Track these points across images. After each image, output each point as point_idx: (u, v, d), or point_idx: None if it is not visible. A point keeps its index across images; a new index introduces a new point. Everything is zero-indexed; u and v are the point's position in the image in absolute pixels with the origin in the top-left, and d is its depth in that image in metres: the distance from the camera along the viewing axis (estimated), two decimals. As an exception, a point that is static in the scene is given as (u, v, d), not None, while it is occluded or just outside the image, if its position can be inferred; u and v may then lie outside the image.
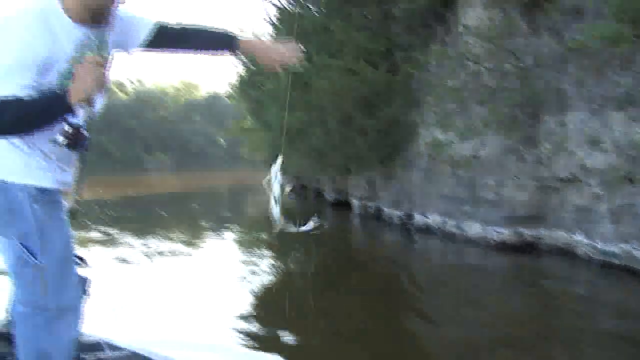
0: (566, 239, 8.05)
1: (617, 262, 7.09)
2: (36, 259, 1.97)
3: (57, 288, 2.02)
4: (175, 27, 2.25)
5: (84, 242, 9.03)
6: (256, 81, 16.20)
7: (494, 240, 8.83)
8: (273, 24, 14.67)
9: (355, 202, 14.16)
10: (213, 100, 63.16)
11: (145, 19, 2.21)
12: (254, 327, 5.11)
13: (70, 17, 1.89)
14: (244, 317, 5.31)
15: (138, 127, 56.09)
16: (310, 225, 2.21)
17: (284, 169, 2.14)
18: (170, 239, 10.94)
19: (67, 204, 2.16)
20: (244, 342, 4.72)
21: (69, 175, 2.11)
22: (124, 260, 8.12)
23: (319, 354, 4.59)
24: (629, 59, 6.82)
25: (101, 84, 1.85)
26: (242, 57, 15.50)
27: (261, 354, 4.60)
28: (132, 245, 9.55)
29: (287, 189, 18.43)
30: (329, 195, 16.69)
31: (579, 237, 7.80)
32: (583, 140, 7.54)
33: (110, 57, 2.11)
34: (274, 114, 13.34)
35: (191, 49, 2.30)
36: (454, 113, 9.52)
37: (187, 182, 32.68)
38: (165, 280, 6.90)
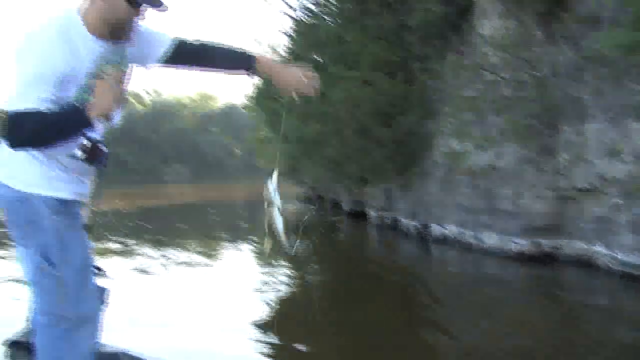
0: (585, 249, 7.92)
1: (637, 273, 6.96)
2: (56, 269, 1.99)
3: (76, 298, 2.04)
4: (193, 43, 2.25)
5: (102, 253, 9.11)
6: (272, 92, 16.28)
7: (512, 251, 8.72)
8: (289, 36, 14.79)
9: (372, 213, 14.11)
10: (230, 111, 63.58)
11: (164, 35, 2.21)
12: (271, 338, 5.10)
13: (90, 31, 1.92)
14: (261, 328, 5.30)
15: (155, 138, 56.62)
16: (296, 245, 2.18)
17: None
18: (188, 249, 10.99)
19: (84, 218, 2.19)
20: (262, 353, 4.71)
21: (88, 187, 2.14)
22: (142, 271, 8.18)
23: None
24: (647, 67, 6.76)
25: (120, 99, 1.88)
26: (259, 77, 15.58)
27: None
28: (151, 256, 9.60)
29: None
30: (346, 206, 16.67)
31: (598, 248, 7.68)
32: (602, 150, 7.44)
33: (129, 71, 2.15)
34: (290, 125, 13.37)
35: (208, 66, 2.29)
36: (471, 123, 9.47)
37: (204, 193, 32.76)
38: (184, 291, 6.93)
